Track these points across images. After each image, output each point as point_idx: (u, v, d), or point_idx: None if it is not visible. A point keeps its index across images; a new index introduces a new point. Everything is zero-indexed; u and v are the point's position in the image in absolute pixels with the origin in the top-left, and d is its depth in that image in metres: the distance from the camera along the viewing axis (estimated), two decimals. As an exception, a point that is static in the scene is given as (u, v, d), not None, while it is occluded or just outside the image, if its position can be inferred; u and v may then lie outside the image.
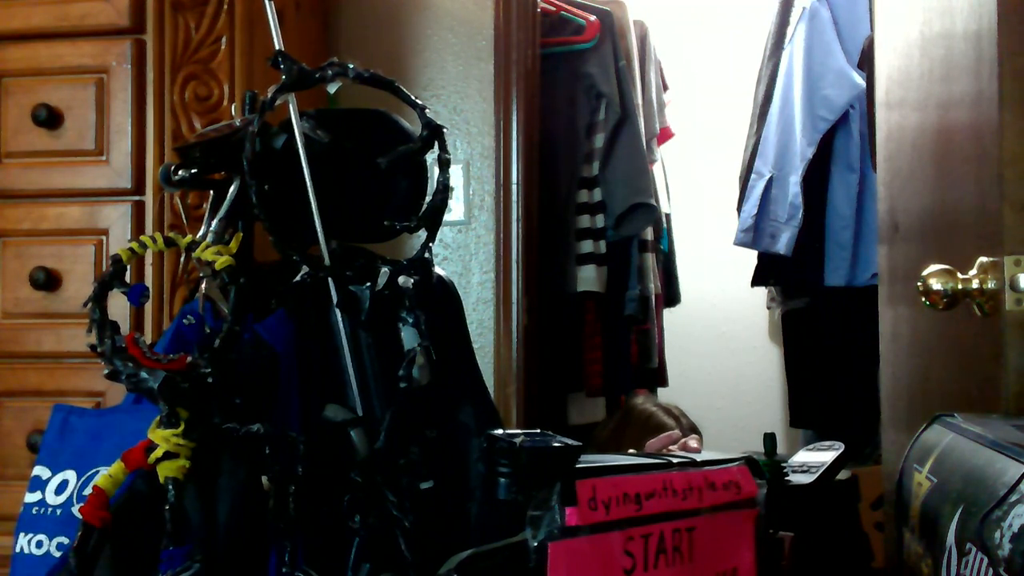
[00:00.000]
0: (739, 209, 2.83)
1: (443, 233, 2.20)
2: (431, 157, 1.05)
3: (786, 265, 2.70)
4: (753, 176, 2.76)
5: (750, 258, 2.91)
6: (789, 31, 2.75)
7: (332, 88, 0.99)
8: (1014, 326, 0.97)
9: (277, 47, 1.02)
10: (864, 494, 1.28)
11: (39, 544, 1.01)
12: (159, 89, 1.76)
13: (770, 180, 2.70)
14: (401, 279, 1.00)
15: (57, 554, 1.00)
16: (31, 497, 1.03)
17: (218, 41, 1.76)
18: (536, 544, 0.73)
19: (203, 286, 1.03)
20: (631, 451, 1.33)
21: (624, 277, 2.60)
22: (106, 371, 0.89)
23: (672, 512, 0.82)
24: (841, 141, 2.61)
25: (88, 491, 0.91)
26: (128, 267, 0.94)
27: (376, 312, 1.00)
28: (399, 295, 0.99)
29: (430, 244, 1.04)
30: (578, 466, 0.78)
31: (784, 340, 3.07)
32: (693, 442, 1.35)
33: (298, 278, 1.02)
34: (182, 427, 0.88)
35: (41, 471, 1.05)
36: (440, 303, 1.07)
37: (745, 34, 3.41)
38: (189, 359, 0.89)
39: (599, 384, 2.57)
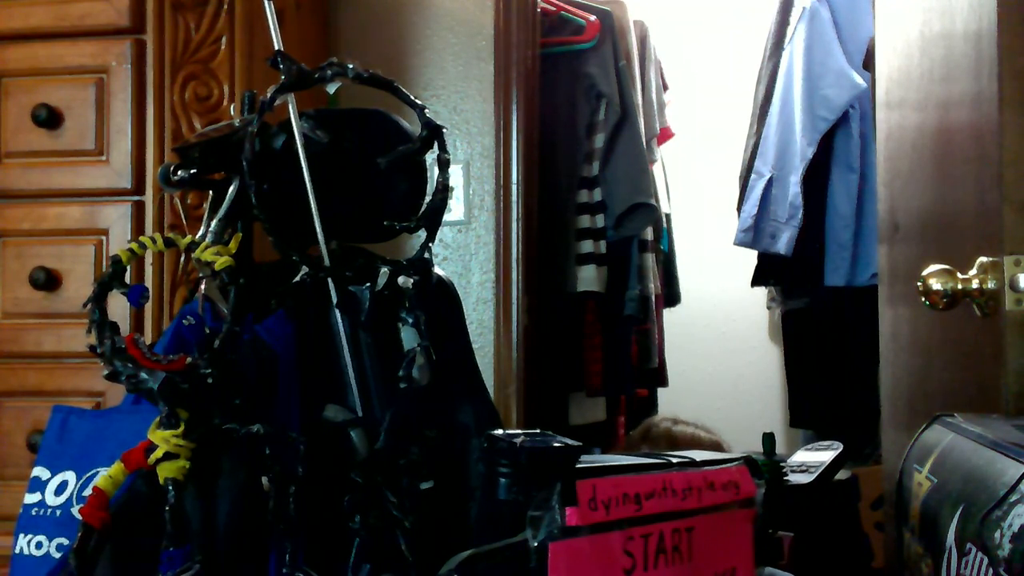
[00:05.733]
0: (739, 209, 2.83)
1: (443, 233, 2.20)
2: (431, 157, 1.05)
3: (786, 265, 2.70)
4: (753, 176, 2.76)
5: (750, 258, 2.90)
6: (789, 31, 2.75)
7: (331, 88, 0.99)
8: (1014, 326, 0.97)
9: (276, 47, 1.02)
10: (864, 494, 1.28)
11: (39, 545, 1.01)
12: (159, 89, 1.76)
13: (770, 180, 2.70)
14: (401, 279, 0.99)
15: (57, 555, 0.99)
16: (31, 498, 1.03)
17: (218, 41, 1.76)
18: (536, 544, 0.73)
19: (203, 286, 1.03)
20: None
21: (624, 277, 2.60)
22: (106, 372, 0.89)
23: (672, 512, 0.82)
24: (841, 141, 2.61)
25: (88, 492, 0.91)
26: (128, 268, 0.94)
27: (376, 312, 1.00)
28: (399, 295, 0.99)
29: (430, 244, 1.04)
30: (578, 466, 0.78)
31: (784, 340, 3.07)
32: None
33: (298, 278, 1.02)
34: (182, 428, 0.88)
35: (41, 472, 1.04)
36: (440, 303, 1.07)
37: (745, 34, 3.41)
38: (189, 360, 0.89)
39: (599, 384, 2.57)
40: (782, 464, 1.19)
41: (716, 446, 2.08)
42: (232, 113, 1.37)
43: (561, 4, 2.58)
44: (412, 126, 1.10)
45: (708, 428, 2.16)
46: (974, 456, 0.74)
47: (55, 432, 1.06)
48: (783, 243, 2.64)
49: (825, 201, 2.62)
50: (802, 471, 1.19)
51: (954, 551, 0.69)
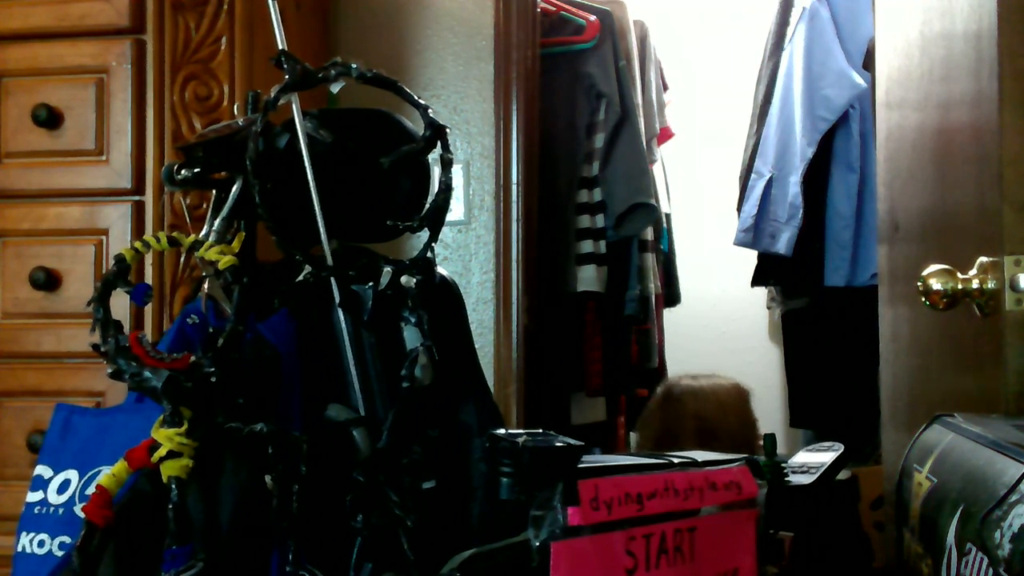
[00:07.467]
0: (739, 209, 2.83)
1: (443, 233, 2.19)
2: (433, 157, 1.05)
3: (786, 265, 2.70)
4: (753, 176, 2.77)
5: (750, 258, 2.91)
6: (789, 31, 2.75)
7: (335, 88, 0.99)
8: (1014, 326, 0.97)
9: (280, 47, 1.02)
10: (864, 494, 1.28)
11: (41, 543, 1.01)
12: (159, 89, 1.76)
13: (770, 180, 2.70)
14: (403, 279, 1.00)
15: (59, 553, 1.00)
16: (33, 496, 1.03)
17: (218, 41, 1.76)
18: (538, 544, 0.73)
19: (206, 285, 1.03)
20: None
21: (624, 277, 2.60)
22: (110, 370, 0.89)
23: (674, 512, 0.82)
24: (841, 141, 2.61)
25: (90, 490, 0.91)
26: (131, 267, 0.95)
27: (378, 312, 1.00)
28: (401, 295, 1.00)
29: (432, 244, 1.04)
30: (580, 466, 0.78)
31: (784, 340, 3.07)
32: None
33: (301, 278, 1.03)
34: (185, 426, 0.88)
35: (43, 470, 1.05)
36: (442, 303, 1.07)
37: (745, 34, 3.41)
38: (192, 358, 0.90)
39: (599, 384, 2.57)
40: (783, 465, 1.19)
41: (736, 387, 2.18)
42: (235, 112, 1.38)
43: (561, 4, 2.58)
44: (415, 126, 1.10)
45: (721, 375, 2.25)
46: (974, 456, 0.74)
47: (58, 430, 1.06)
48: (783, 243, 2.64)
49: (825, 201, 2.62)
50: (803, 472, 1.19)
51: (954, 551, 0.69)
